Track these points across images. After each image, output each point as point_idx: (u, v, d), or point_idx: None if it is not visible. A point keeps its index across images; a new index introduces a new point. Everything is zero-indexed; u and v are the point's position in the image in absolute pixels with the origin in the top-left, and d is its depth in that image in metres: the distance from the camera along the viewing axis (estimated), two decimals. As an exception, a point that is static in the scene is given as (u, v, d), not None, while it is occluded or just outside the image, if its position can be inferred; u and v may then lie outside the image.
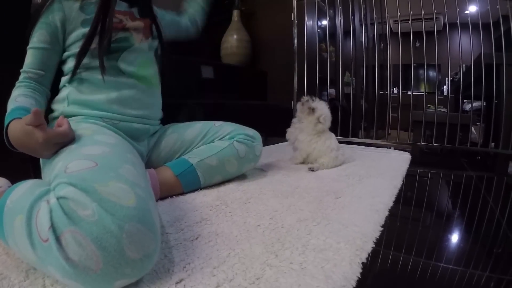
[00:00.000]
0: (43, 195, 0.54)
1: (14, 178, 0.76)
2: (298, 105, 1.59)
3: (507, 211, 1.11)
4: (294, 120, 1.64)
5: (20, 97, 0.86)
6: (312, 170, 1.47)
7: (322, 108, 1.53)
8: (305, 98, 1.57)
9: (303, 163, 1.60)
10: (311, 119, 1.52)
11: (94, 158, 0.62)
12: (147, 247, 0.52)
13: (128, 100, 1.01)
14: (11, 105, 0.82)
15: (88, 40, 0.93)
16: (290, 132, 1.63)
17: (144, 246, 0.51)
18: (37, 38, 0.92)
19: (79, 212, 0.48)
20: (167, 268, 0.61)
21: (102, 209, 0.49)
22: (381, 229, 0.83)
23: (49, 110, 1.00)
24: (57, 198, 0.50)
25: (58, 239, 0.47)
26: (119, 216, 0.49)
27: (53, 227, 0.47)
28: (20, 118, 0.74)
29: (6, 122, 0.76)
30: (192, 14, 1.40)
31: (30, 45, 0.93)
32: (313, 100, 1.55)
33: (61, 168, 0.60)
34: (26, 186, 0.61)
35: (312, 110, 1.52)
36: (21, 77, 0.93)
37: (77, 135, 0.78)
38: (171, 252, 0.68)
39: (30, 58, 0.93)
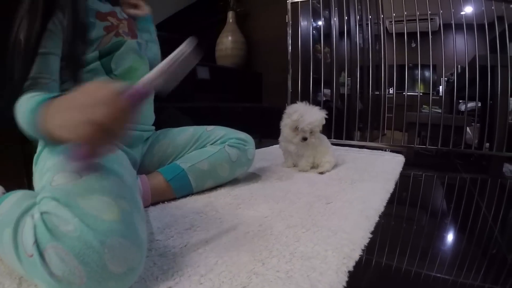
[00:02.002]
0: (29, 209, 0.55)
1: (8, 183, 0.76)
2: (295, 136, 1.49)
3: (500, 217, 1.12)
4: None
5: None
6: (322, 173, 1.49)
7: (311, 118, 1.45)
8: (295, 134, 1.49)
9: (295, 166, 1.60)
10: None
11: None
12: (131, 261, 0.52)
13: None
14: (31, 100, 0.64)
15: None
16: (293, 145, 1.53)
17: (127, 259, 0.51)
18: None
19: (61, 227, 0.49)
20: (156, 275, 0.62)
21: (84, 224, 0.49)
22: (370, 235, 0.84)
23: None
24: (41, 213, 0.50)
25: (41, 255, 0.47)
26: (100, 231, 0.50)
27: (37, 243, 0.48)
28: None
29: (35, 104, 0.61)
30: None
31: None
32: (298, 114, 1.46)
33: (48, 179, 0.61)
34: (15, 198, 0.62)
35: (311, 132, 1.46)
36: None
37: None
38: (160, 259, 0.68)
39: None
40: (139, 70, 1.02)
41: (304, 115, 1.45)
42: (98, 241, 0.49)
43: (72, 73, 0.85)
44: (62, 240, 0.48)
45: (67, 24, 0.83)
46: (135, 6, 1.14)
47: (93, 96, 0.51)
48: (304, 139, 1.46)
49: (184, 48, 0.60)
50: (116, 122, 0.50)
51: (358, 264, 0.69)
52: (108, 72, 0.95)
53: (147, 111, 1.13)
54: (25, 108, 0.63)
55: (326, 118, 1.50)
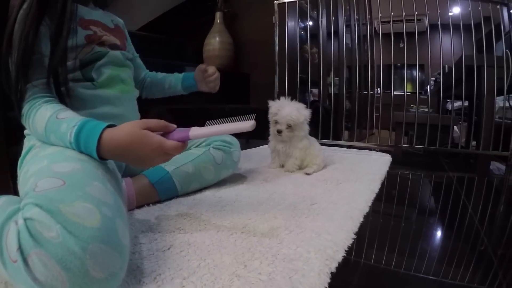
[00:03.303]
0: (13, 215, 0.55)
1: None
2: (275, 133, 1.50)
3: (486, 218, 1.12)
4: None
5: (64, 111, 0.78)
6: (309, 174, 1.48)
7: (287, 111, 1.44)
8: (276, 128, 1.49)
9: (282, 167, 1.61)
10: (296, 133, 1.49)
11: (62, 176, 0.61)
12: (112, 266, 0.52)
13: (106, 117, 0.92)
14: (69, 121, 0.74)
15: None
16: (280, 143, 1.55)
17: (109, 265, 0.52)
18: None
19: (44, 233, 0.49)
20: (139, 279, 0.62)
21: (66, 231, 0.50)
22: (354, 236, 0.84)
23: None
24: (24, 219, 0.50)
25: (25, 260, 0.48)
26: (82, 238, 0.50)
27: (20, 249, 0.48)
28: (114, 125, 0.73)
29: (97, 133, 0.70)
30: (157, 81, 1.33)
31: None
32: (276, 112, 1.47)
33: (31, 185, 0.60)
34: None
35: (289, 126, 1.46)
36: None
37: (51, 149, 0.77)
38: (143, 263, 0.68)
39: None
40: (120, 75, 1.01)
41: (282, 109, 1.45)
42: (80, 247, 0.49)
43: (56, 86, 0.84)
44: (45, 246, 0.48)
45: (52, 32, 0.82)
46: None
47: (151, 152, 0.72)
48: (279, 132, 1.46)
49: (244, 127, 0.71)
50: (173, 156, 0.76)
51: (341, 266, 0.69)
52: (89, 80, 0.93)
53: (132, 113, 1.08)
54: (56, 130, 0.75)
55: (312, 118, 1.50)
